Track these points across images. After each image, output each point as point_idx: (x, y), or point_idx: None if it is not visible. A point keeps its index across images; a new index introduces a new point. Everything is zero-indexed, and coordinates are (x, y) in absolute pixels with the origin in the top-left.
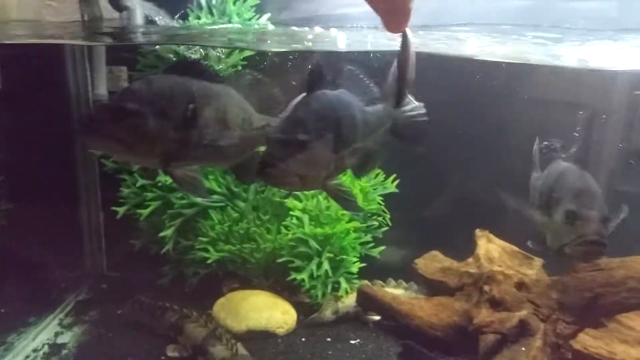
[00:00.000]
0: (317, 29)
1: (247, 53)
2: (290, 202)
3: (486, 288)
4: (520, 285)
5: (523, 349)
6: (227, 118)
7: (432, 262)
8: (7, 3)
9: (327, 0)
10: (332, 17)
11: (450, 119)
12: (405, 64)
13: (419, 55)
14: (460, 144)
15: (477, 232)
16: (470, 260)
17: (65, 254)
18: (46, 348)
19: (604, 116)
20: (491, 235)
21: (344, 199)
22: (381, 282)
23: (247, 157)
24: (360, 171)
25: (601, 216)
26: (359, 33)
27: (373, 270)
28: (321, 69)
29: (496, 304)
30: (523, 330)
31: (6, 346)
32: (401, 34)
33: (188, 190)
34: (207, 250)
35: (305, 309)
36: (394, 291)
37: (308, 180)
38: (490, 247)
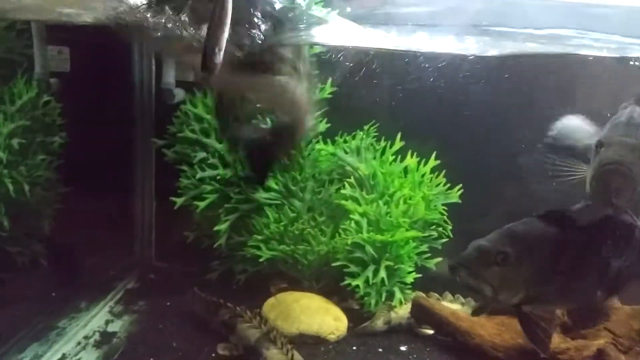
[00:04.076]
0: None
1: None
2: (350, 204)
3: (558, 312)
4: None
5: None
6: None
7: None
8: None
9: None
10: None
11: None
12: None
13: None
14: (525, 154)
15: None
16: None
17: (115, 240)
18: (97, 336)
19: None
20: None
21: (533, 330)
22: (437, 295)
23: None
24: None
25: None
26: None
27: (428, 282)
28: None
29: (568, 330)
30: None
31: (58, 331)
32: None
33: None
34: (259, 248)
35: (354, 315)
36: (451, 306)
37: (501, 295)
38: None
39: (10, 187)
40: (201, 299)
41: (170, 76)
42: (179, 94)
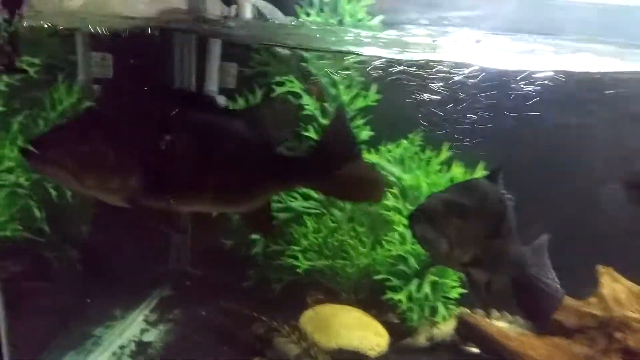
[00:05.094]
0: None
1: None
2: (394, 215)
3: (618, 335)
4: None
5: None
6: None
7: None
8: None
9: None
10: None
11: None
12: None
13: None
14: (591, 165)
15: (600, 268)
16: (592, 299)
17: (150, 246)
18: (133, 345)
19: None
20: (616, 273)
21: (477, 289)
22: (483, 311)
23: None
24: None
25: None
26: None
27: (472, 297)
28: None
29: (631, 355)
30: None
31: (94, 340)
32: None
33: None
34: (297, 258)
35: (394, 330)
36: (497, 324)
37: (456, 251)
38: (616, 287)
39: (53, 192)
40: (230, 311)
41: (212, 83)
42: (221, 100)
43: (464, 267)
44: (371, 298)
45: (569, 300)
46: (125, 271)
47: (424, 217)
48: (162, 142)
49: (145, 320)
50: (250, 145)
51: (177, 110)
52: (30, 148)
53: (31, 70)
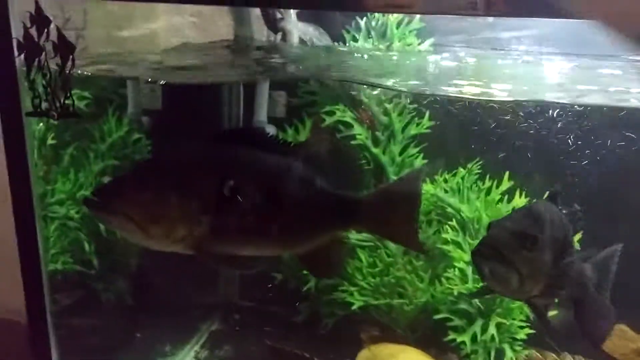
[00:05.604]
0: None
1: None
2: (454, 251)
3: None
4: None
5: None
6: None
7: (621, 340)
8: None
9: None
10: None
11: None
12: None
13: None
14: None
15: None
16: None
17: (199, 278)
18: None
19: None
20: None
21: (545, 321)
22: (554, 355)
23: None
24: None
25: None
26: None
27: (541, 338)
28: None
29: None
30: None
31: None
32: None
33: None
34: (351, 294)
35: None
36: None
37: (527, 285)
38: None
39: (102, 226)
40: (280, 351)
41: (262, 113)
42: (271, 130)
43: (530, 299)
44: (429, 336)
45: None
46: (174, 304)
47: (490, 252)
48: (226, 187)
49: (196, 358)
50: (312, 185)
51: (238, 155)
52: (94, 198)
53: (81, 104)
